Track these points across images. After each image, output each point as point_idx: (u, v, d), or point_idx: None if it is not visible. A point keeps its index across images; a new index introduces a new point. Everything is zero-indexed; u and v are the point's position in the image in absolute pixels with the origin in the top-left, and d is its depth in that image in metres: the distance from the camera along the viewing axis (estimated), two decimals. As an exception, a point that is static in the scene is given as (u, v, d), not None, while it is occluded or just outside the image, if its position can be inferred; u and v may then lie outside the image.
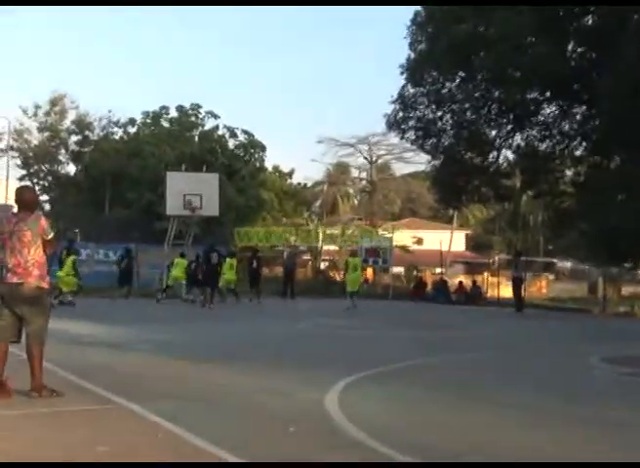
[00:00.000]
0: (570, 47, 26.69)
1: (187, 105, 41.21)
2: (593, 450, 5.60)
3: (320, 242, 36.82)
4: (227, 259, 24.38)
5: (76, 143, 44.75)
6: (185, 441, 5.48)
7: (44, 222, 7.12)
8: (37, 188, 44.37)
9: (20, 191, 7.43)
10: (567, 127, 28.94)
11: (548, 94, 27.79)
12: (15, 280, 6.95)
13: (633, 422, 6.73)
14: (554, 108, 28.81)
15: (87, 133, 44.42)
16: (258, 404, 7.09)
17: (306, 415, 6.53)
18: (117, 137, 42.93)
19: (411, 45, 29.23)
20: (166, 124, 41.12)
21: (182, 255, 25.23)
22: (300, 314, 20.81)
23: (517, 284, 24.85)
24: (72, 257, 21.14)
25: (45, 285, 7.11)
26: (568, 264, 46.68)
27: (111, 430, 5.88)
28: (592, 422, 6.71)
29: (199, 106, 41.13)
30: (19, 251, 6.94)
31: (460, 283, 32.64)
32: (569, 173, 31.17)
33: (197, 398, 7.30)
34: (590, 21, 26.06)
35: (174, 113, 41.24)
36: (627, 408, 7.46)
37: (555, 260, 46.42)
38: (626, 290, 33.34)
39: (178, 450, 5.18)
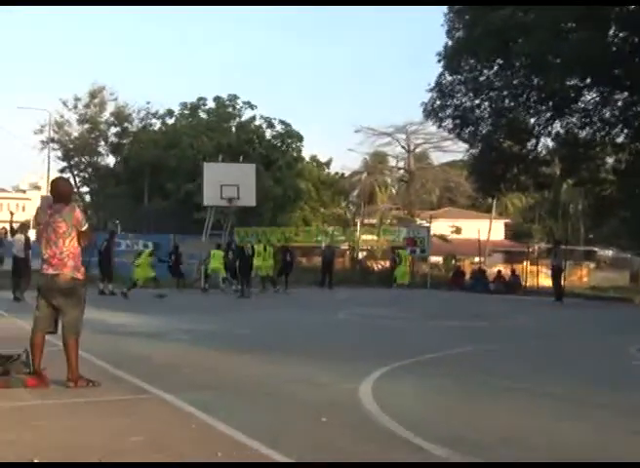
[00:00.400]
0: (611, 32, 26.25)
1: (225, 96, 41.31)
2: (633, 441, 5.51)
3: (358, 232, 36.73)
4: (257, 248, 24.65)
5: (115, 135, 45.07)
6: (219, 432, 5.49)
7: (78, 214, 7.16)
8: (77, 180, 45.46)
9: (55, 183, 7.51)
10: (608, 114, 28.58)
11: (589, 80, 27.43)
12: (50, 271, 7.01)
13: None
14: (595, 95, 28.46)
15: (126, 124, 44.70)
16: (292, 394, 7.10)
17: (340, 406, 6.53)
18: (155, 129, 43.12)
19: (448, 32, 29.05)
20: (203, 115, 41.19)
21: (218, 247, 25.46)
22: (338, 304, 20.77)
23: (557, 273, 24.61)
24: (149, 250, 22.03)
25: (80, 276, 7.14)
26: (609, 253, 46.19)
27: (145, 420, 5.92)
28: (635, 413, 6.62)
29: (236, 97, 41.16)
30: (54, 242, 6.99)
31: (499, 272, 32.36)
32: (610, 160, 30.84)
33: (232, 388, 7.34)
34: (632, 7, 25.60)
35: (211, 104, 41.33)
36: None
37: (596, 249, 45.95)
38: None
39: (210, 442, 5.19)
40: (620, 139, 29.22)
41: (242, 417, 5.92)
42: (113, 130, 45.16)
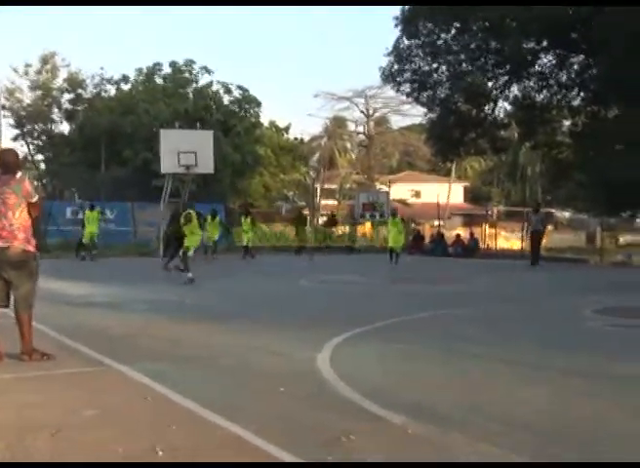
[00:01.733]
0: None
1: (181, 61, 40.75)
2: (590, 403, 5.64)
3: (318, 197, 36.79)
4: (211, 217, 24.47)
5: (69, 102, 44.38)
6: (174, 404, 5.47)
7: (28, 185, 7.04)
8: (32, 148, 45.13)
9: (1, 154, 7.38)
10: (564, 77, 28.86)
11: (545, 43, 27.57)
12: (0, 244, 6.88)
13: (627, 373, 6.74)
14: (552, 58, 28.68)
15: (79, 91, 43.98)
16: (250, 364, 7.07)
17: (298, 375, 6.50)
18: (110, 95, 42.44)
19: (405, -4, 28.94)
20: (160, 81, 40.68)
21: (92, 208, 25.34)
22: (300, 270, 20.82)
23: (535, 237, 24.63)
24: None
25: (31, 248, 7.01)
26: (566, 214, 46.84)
27: (100, 393, 5.85)
28: (589, 374, 6.72)
29: (192, 62, 40.61)
30: (3, 214, 6.85)
31: (458, 236, 32.66)
32: (566, 123, 31.17)
33: (189, 359, 7.28)
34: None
35: (167, 70, 40.74)
36: (622, 358, 7.45)
37: (554, 211, 46.49)
38: (624, 239, 33.47)
39: (164, 414, 5.16)
40: (576, 103, 29.56)
41: (198, 388, 5.89)
42: (67, 96, 44.42)
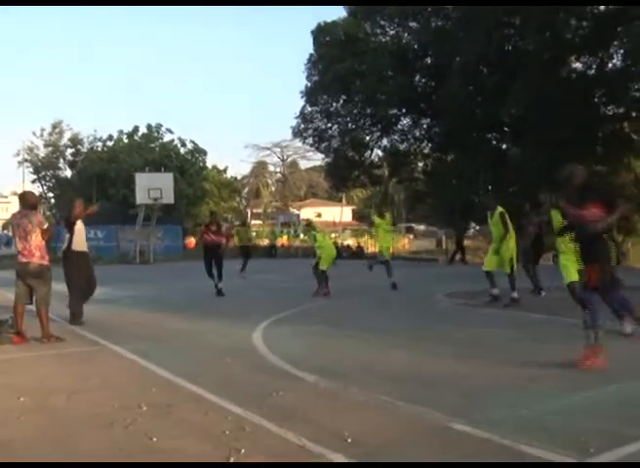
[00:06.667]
0: (417, 78, 27.27)
1: (153, 124, 40.41)
2: (438, 359, 5.79)
3: (249, 218, 36.58)
4: None
5: (71, 155, 44.06)
6: (154, 373, 5.45)
7: (40, 217, 7.15)
8: (45, 188, 45.26)
9: (23, 195, 7.43)
10: (417, 133, 29.48)
11: (404, 110, 28.27)
12: (23, 260, 6.97)
13: (466, 336, 6.99)
14: (409, 120, 29.32)
15: (79, 146, 43.64)
16: (204, 342, 7.05)
17: (239, 349, 6.50)
18: (100, 149, 41.88)
19: (308, 77, 29.25)
20: (136, 138, 40.20)
21: None
22: (234, 272, 20.57)
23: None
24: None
25: (45, 262, 7.04)
26: (422, 227, 47.83)
27: (100, 366, 5.84)
28: (441, 339, 6.91)
29: (160, 125, 40.33)
30: (24, 238, 6.93)
31: (348, 245, 33.04)
32: (420, 165, 31.80)
33: (162, 340, 7.22)
34: (429, 61, 26.64)
35: (143, 129, 40.23)
36: (463, 327, 7.71)
37: (413, 225, 47.48)
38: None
39: (147, 381, 5.14)
40: (426, 151, 30.25)
41: (170, 361, 5.86)
42: (70, 151, 44.21)
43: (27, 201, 7.18)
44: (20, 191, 40.46)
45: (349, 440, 3.63)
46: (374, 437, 3.72)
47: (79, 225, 8.50)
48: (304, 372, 5.28)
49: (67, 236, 8.41)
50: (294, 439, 3.65)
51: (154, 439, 3.70)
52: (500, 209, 10.03)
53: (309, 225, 13.38)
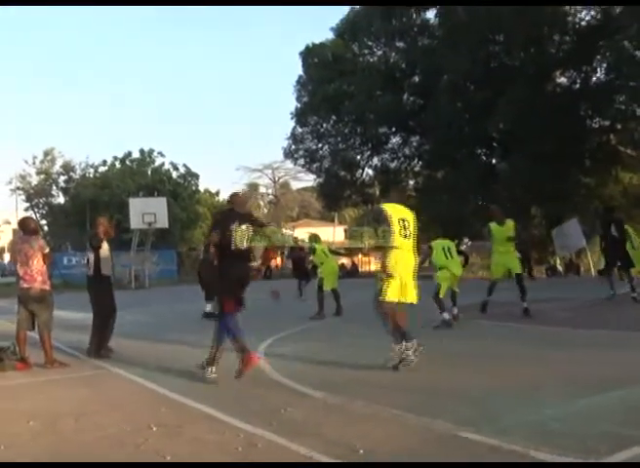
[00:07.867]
0: (405, 97, 27.56)
1: (146, 149, 40.42)
2: (442, 369, 5.80)
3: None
4: None
5: (64, 182, 44.10)
6: (161, 394, 5.42)
7: (41, 242, 7.13)
8: (38, 216, 44.79)
9: (23, 221, 7.42)
10: (408, 151, 29.81)
11: (394, 129, 28.55)
12: (25, 285, 6.91)
13: (469, 348, 7.01)
14: (398, 138, 29.62)
15: (71, 173, 43.74)
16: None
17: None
18: (92, 175, 41.86)
19: (297, 98, 29.58)
20: (129, 163, 40.24)
21: None
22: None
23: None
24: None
25: (46, 287, 7.01)
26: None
27: (103, 388, 5.86)
28: (440, 351, 6.97)
29: (152, 150, 40.37)
30: (25, 263, 6.90)
31: (342, 264, 33.02)
32: (411, 182, 32.07)
33: (165, 362, 7.06)
34: (417, 79, 26.96)
35: (136, 154, 40.28)
36: (464, 338, 7.76)
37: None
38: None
39: (148, 400, 5.14)
40: (416, 168, 30.52)
41: (176, 382, 5.83)
42: (62, 178, 44.18)
43: (28, 226, 7.20)
44: (12, 219, 40.24)
45: (361, 451, 3.65)
46: (385, 447, 3.74)
47: (105, 246, 7.70)
48: (308, 388, 5.29)
49: (93, 259, 7.64)
50: (306, 453, 3.66)
51: (168, 458, 3.70)
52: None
53: (315, 236, 13.34)
